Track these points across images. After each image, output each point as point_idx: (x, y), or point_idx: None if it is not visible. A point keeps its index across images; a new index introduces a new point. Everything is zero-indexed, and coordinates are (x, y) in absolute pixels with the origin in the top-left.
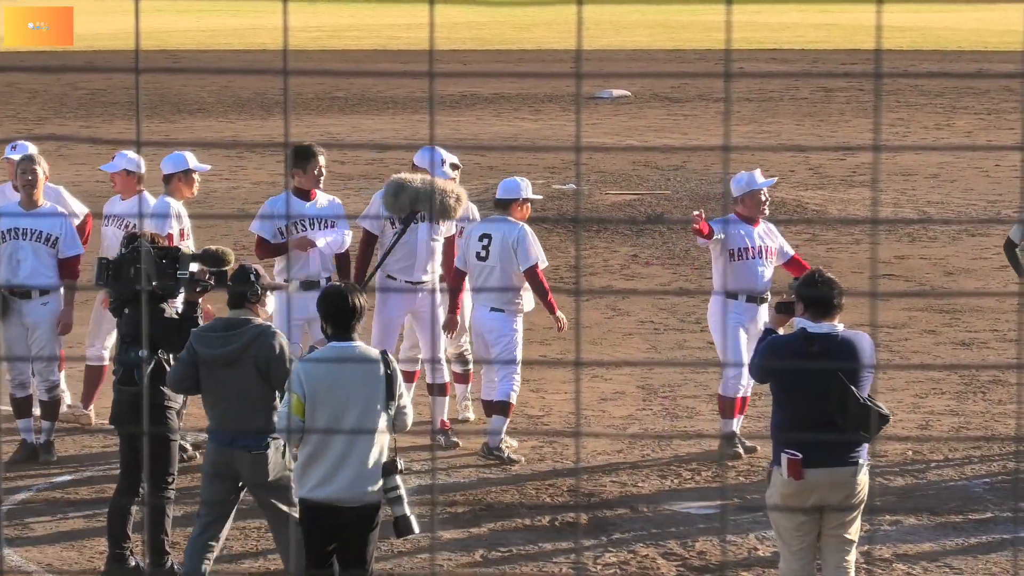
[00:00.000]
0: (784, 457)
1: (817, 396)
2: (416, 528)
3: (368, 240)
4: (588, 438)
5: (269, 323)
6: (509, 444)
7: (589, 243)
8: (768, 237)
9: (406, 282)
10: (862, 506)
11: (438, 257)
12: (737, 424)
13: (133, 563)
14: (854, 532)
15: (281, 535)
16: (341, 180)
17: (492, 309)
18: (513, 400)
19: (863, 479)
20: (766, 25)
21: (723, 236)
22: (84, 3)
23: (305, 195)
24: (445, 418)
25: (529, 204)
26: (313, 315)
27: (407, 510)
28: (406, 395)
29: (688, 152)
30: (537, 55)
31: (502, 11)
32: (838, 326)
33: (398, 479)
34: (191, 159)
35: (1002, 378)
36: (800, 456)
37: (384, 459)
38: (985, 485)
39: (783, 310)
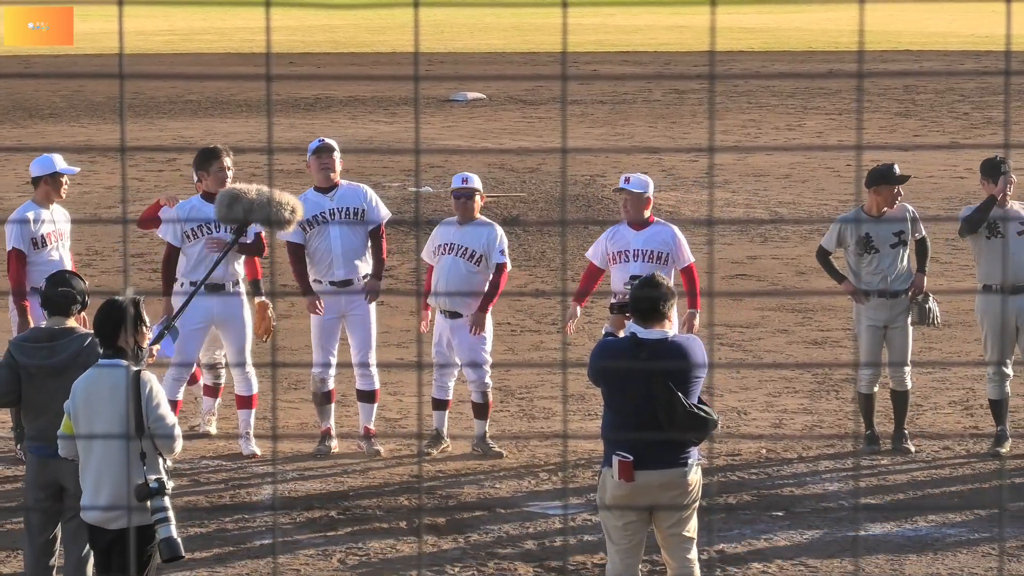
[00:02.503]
0: (615, 459)
1: (645, 400)
2: (181, 551)
3: (293, 249)
4: (450, 440)
5: (91, 332)
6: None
7: None
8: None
9: (330, 283)
10: (696, 504)
11: (365, 256)
12: None
13: None
14: (692, 529)
15: (74, 550)
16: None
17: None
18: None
19: (694, 478)
20: (618, 27)
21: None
22: None
23: (212, 197)
24: (370, 425)
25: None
26: (218, 317)
27: (172, 532)
28: (167, 417)
29: (543, 154)
30: (392, 58)
31: (356, 14)
32: (668, 331)
33: (166, 500)
34: (59, 161)
35: (854, 376)
36: (631, 458)
37: (142, 481)
38: (838, 483)
39: (618, 311)
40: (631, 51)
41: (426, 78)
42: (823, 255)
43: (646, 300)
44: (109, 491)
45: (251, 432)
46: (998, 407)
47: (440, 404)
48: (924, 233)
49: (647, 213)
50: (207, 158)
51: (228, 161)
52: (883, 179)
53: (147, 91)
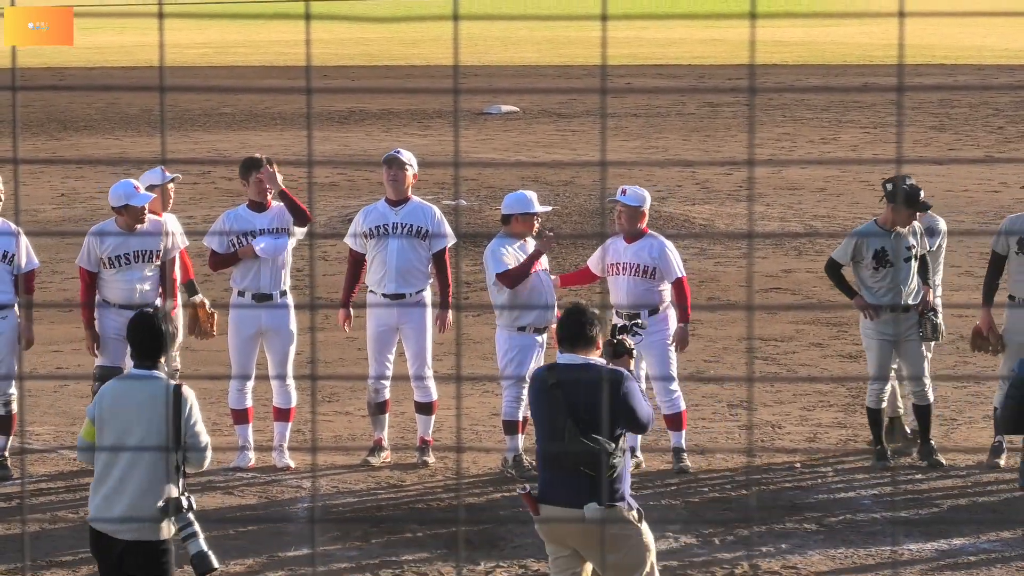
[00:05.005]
0: (518, 490)
1: (554, 430)
2: (215, 564)
3: (353, 257)
4: (476, 452)
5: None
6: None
7: (478, 258)
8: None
9: (383, 295)
10: (633, 553)
11: (421, 273)
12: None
13: None
14: None
15: None
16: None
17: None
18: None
19: (614, 519)
20: (653, 41)
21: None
22: None
23: (258, 206)
24: (428, 436)
25: (532, 218)
26: (264, 326)
27: (203, 546)
28: (203, 433)
29: (577, 167)
30: (425, 71)
31: (390, 27)
32: (591, 358)
33: (190, 516)
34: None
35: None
36: (527, 490)
37: (169, 496)
38: (872, 496)
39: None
40: (665, 64)
41: (462, 91)
42: (834, 268)
43: (567, 326)
44: (129, 501)
45: (286, 445)
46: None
47: (511, 426)
48: (929, 248)
49: (642, 225)
50: (248, 167)
51: (272, 168)
52: (908, 202)
53: (181, 103)
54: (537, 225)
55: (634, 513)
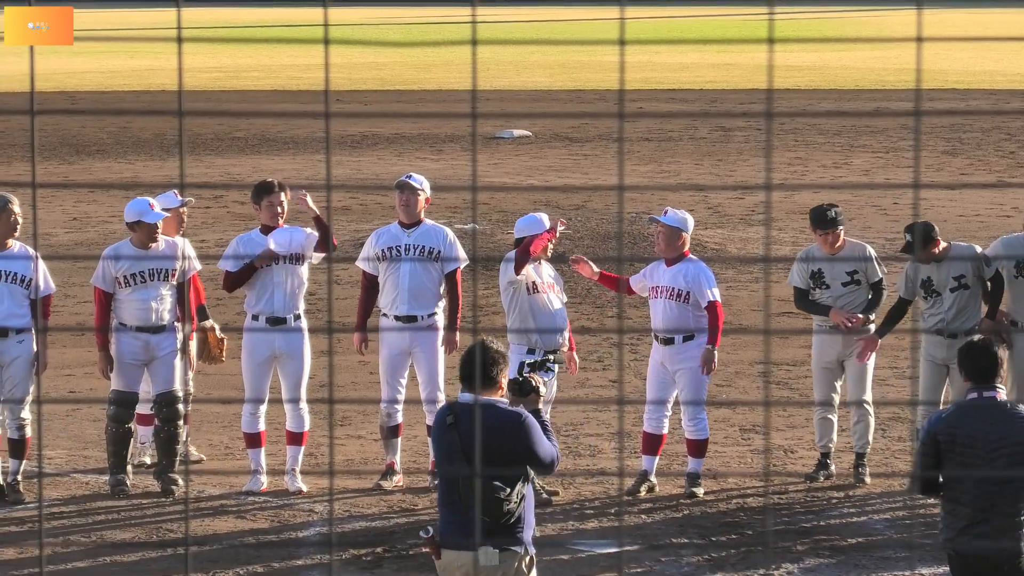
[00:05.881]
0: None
1: (450, 472)
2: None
3: (366, 280)
4: None
5: None
6: None
7: (492, 282)
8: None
9: (395, 317)
10: None
11: (434, 295)
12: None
13: None
14: None
15: None
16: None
17: None
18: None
19: (510, 565)
20: (665, 65)
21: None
22: None
23: (270, 231)
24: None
25: (545, 236)
26: (279, 350)
27: None
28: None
29: (589, 191)
30: (438, 95)
31: (402, 51)
32: (493, 398)
33: None
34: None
35: (901, 415)
36: (429, 534)
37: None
38: (886, 522)
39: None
40: (677, 88)
41: (480, 115)
42: (801, 297)
43: (467, 365)
44: None
45: (298, 468)
46: None
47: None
48: (880, 276)
49: (684, 249)
50: (260, 192)
51: (283, 196)
52: (815, 223)
53: (194, 128)
54: (551, 245)
55: (527, 560)
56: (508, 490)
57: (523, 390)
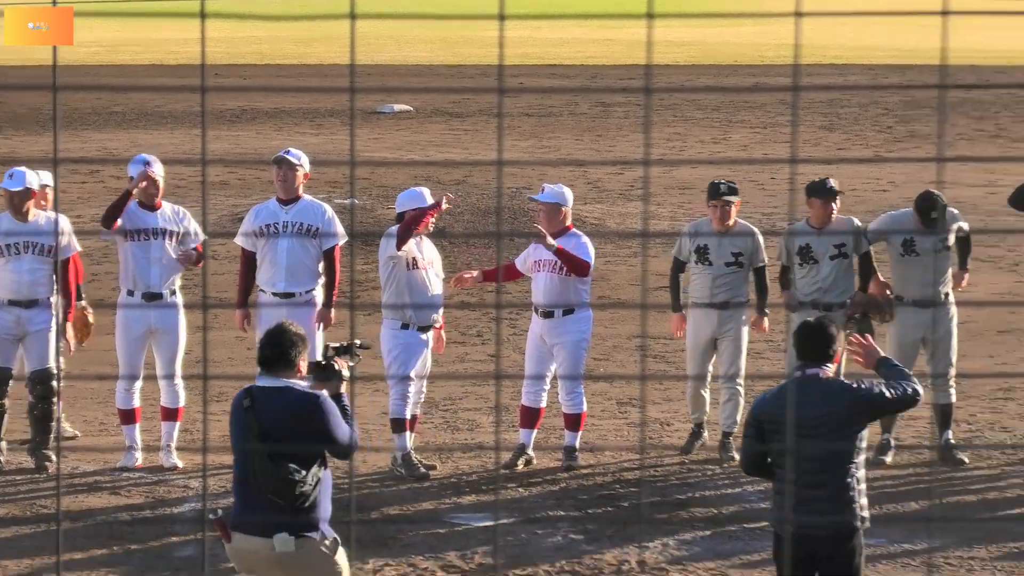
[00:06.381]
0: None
1: (245, 455)
2: None
3: (245, 257)
4: (366, 451)
5: None
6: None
7: (371, 257)
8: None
9: (273, 294)
10: None
11: (313, 269)
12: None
13: None
14: None
15: None
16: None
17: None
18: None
19: (307, 551)
20: (546, 40)
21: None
22: None
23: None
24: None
25: (430, 212)
26: (154, 326)
27: None
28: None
29: (469, 167)
30: (318, 70)
31: (282, 26)
32: (290, 381)
33: None
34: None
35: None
36: (219, 515)
37: None
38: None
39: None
40: (558, 64)
41: (358, 90)
42: (679, 270)
43: (265, 347)
44: None
45: (173, 444)
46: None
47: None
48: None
49: (567, 223)
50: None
51: (158, 168)
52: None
53: (71, 102)
54: (434, 220)
55: (327, 543)
56: (303, 472)
57: (326, 375)
